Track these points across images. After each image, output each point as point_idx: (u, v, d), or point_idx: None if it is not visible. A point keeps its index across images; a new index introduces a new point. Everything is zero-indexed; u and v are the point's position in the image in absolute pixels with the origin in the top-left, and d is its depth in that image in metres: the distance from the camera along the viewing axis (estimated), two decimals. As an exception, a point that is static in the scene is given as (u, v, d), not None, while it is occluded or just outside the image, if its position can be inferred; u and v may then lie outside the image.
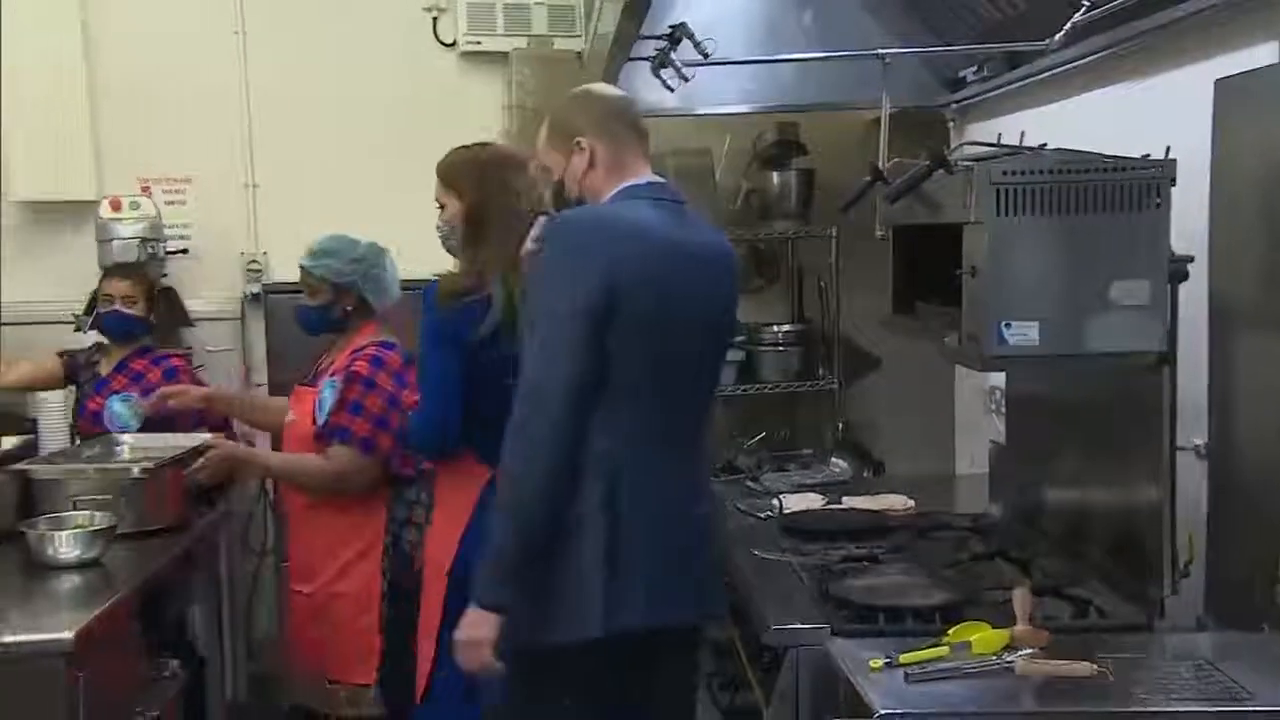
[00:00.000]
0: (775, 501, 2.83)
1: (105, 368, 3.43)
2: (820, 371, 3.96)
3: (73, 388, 3.50)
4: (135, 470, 2.69)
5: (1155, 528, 1.95)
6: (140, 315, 3.41)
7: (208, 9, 4.00)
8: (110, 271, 3.48)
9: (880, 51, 2.55)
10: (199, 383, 3.46)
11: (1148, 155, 1.88)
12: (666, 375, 1.97)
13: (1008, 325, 1.87)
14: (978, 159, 2.00)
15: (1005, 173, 1.87)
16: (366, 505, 2.78)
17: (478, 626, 1.89)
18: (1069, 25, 2.13)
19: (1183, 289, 1.91)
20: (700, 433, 2.10)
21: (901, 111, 2.54)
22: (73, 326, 3.63)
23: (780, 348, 3.96)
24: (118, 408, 3.25)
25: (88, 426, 3.32)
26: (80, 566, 2.42)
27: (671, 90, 2.53)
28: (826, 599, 2.02)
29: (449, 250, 2.47)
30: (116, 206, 3.69)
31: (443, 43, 4.08)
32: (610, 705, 1.96)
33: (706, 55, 2.36)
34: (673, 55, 2.36)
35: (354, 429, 2.70)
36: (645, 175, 2.06)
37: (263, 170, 4.05)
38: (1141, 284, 1.84)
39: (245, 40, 4.00)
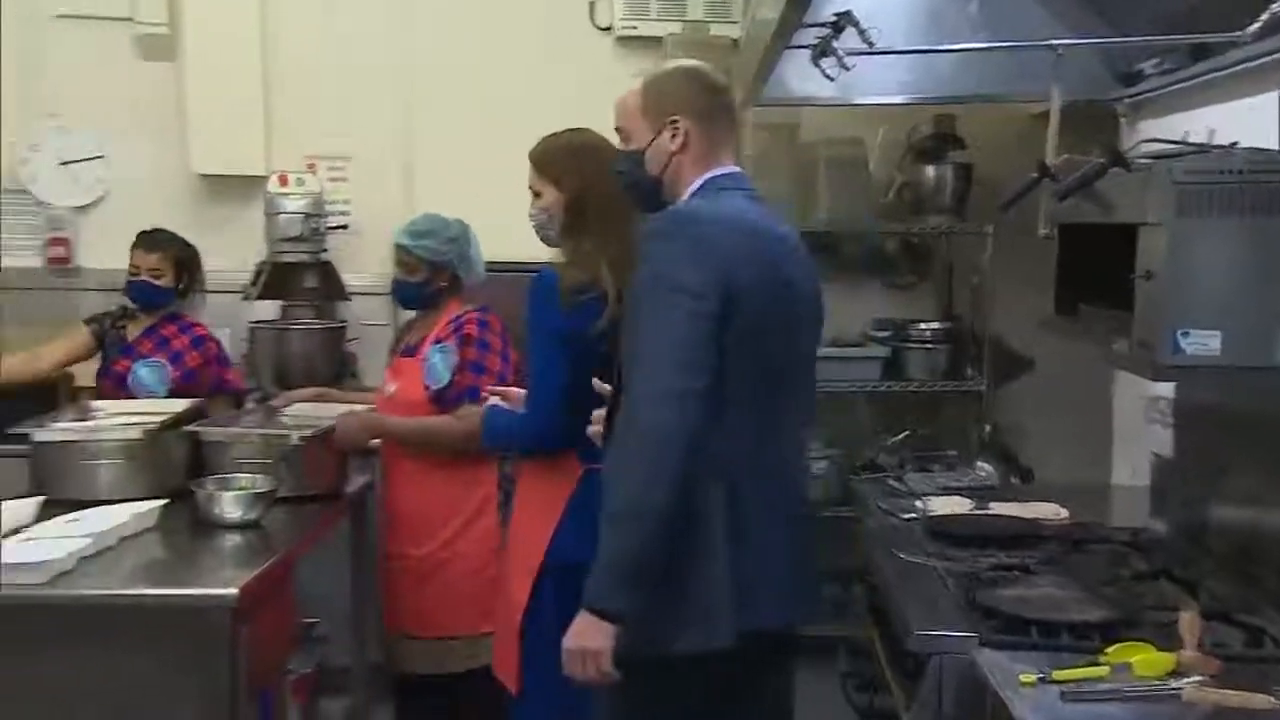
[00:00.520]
0: (919, 503, 2.77)
1: (133, 333, 3.48)
2: (968, 371, 3.86)
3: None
4: (294, 438, 2.80)
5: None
6: (168, 286, 3.45)
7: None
8: (138, 243, 3.49)
9: (1053, 42, 2.44)
10: (223, 354, 3.56)
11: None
12: (779, 374, 1.93)
13: (1185, 334, 1.77)
14: (1158, 157, 1.90)
15: (1189, 172, 1.77)
16: (478, 463, 2.85)
17: (592, 636, 1.78)
18: (1267, 15, 2.00)
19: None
20: (806, 431, 2.06)
21: (1069, 105, 2.44)
22: (240, 295, 3.81)
23: (928, 345, 3.88)
24: (144, 373, 3.37)
25: (111, 389, 3.38)
26: (241, 527, 2.53)
27: (831, 79, 2.48)
28: (974, 607, 1.96)
29: (545, 240, 2.46)
30: (284, 182, 3.85)
31: (599, 27, 4.11)
32: (724, 710, 1.93)
33: (871, 44, 2.30)
34: (835, 44, 2.30)
35: (481, 387, 2.76)
36: (730, 165, 2.00)
37: (419, 150, 4.16)
38: (1338, 294, 1.73)
39: (407, 22, 4.11)
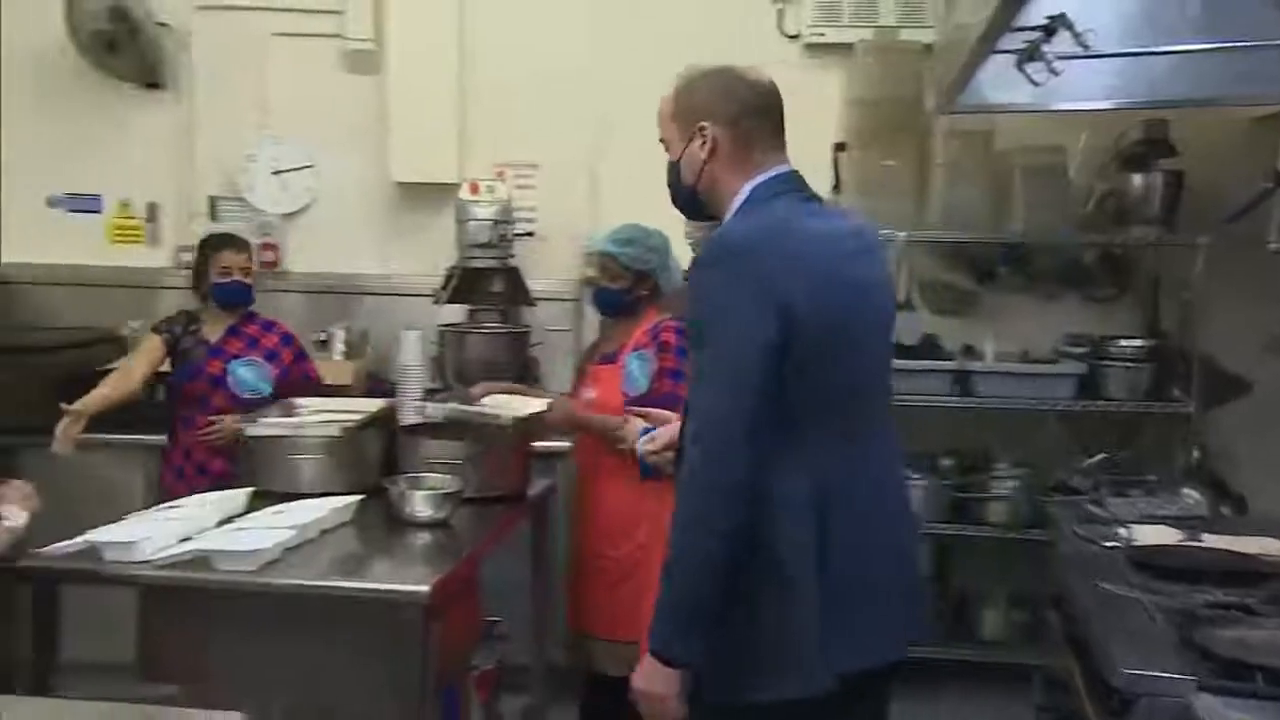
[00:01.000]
0: (1122, 531, 2.61)
1: (210, 334, 3.45)
2: (1174, 392, 3.63)
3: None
4: (507, 418, 2.81)
5: None
6: (251, 284, 3.51)
7: (564, 2, 4.19)
8: (224, 243, 3.49)
9: (1286, 41, 2.27)
10: (304, 348, 3.61)
11: None
12: (854, 389, 1.83)
13: None
14: None
15: None
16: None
17: (658, 681, 1.75)
18: None
19: None
20: (893, 447, 1.93)
21: (1302, 109, 2.26)
22: (432, 300, 3.94)
23: (1129, 363, 3.67)
24: (244, 373, 3.40)
25: (206, 389, 3.38)
26: (431, 525, 2.61)
27: (1036, 85, 2.37)
28: (1190, 647, 1.83)
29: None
30: (475, 190, 3.96)
31: (786, 34, 4.07)
32: None
33: (1087, 48, 2.18)
34: (1044, 48, 2.20)
35: (682, 393, 2.76)
36: (778, 166, 1.88)
37: (605, 159, 4.21)
38: None
39: (596, 33, 4.17)
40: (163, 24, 4.18)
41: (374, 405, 3.17)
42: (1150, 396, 3.64)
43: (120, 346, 4.02)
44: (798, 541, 1.75)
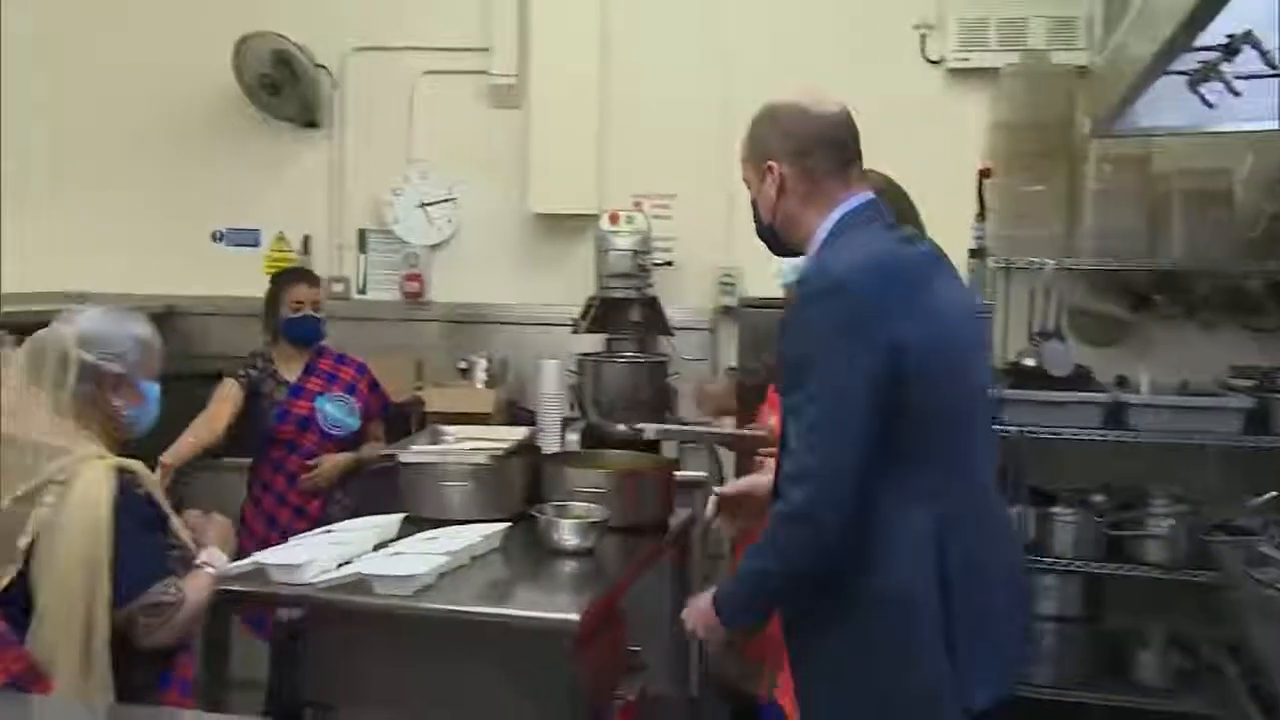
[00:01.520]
0: (1305, 576, 2.46)
1: (287, 373, 3.44)
2: (1354, 429, 3.42)
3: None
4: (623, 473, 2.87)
5: None
6: (322, 319, 3.52)
7: (705, 33, 4.21)
8: (296, 278, 3.49)
9: None
10: (374, 377, 3.58)
11: None
12: (963, 422, 1.80)
13: None
14: None
15: None
16: None
17: (710, 630, 1.94)
18: None
19: None
20: (994, 477, 1.92)
21: None
22: (570, 329, 4.00)
23: (1301, 397, 3.46)
24: (331, 410, 3.40)
25: (294, 431, 3.38)
26: (577, 554, 2.63)
27: (1210, 107, 2.27)
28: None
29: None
30: (615, 220, 4.00)
31: (929, 60, 4.01)
32: None
33: (1274, 66, 2.08)
34: (1223, 67, 2.10)
35: None
36: (859, 195, 1.87)
37: (742, 188, 4.18)
38: None
39: (731, 62, 4.18)
40: (321, 66, 4.37)
41: (517, 433, 3.23)
42: (1326, 433, 3.43)
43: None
44: (920, 573, 1.74)
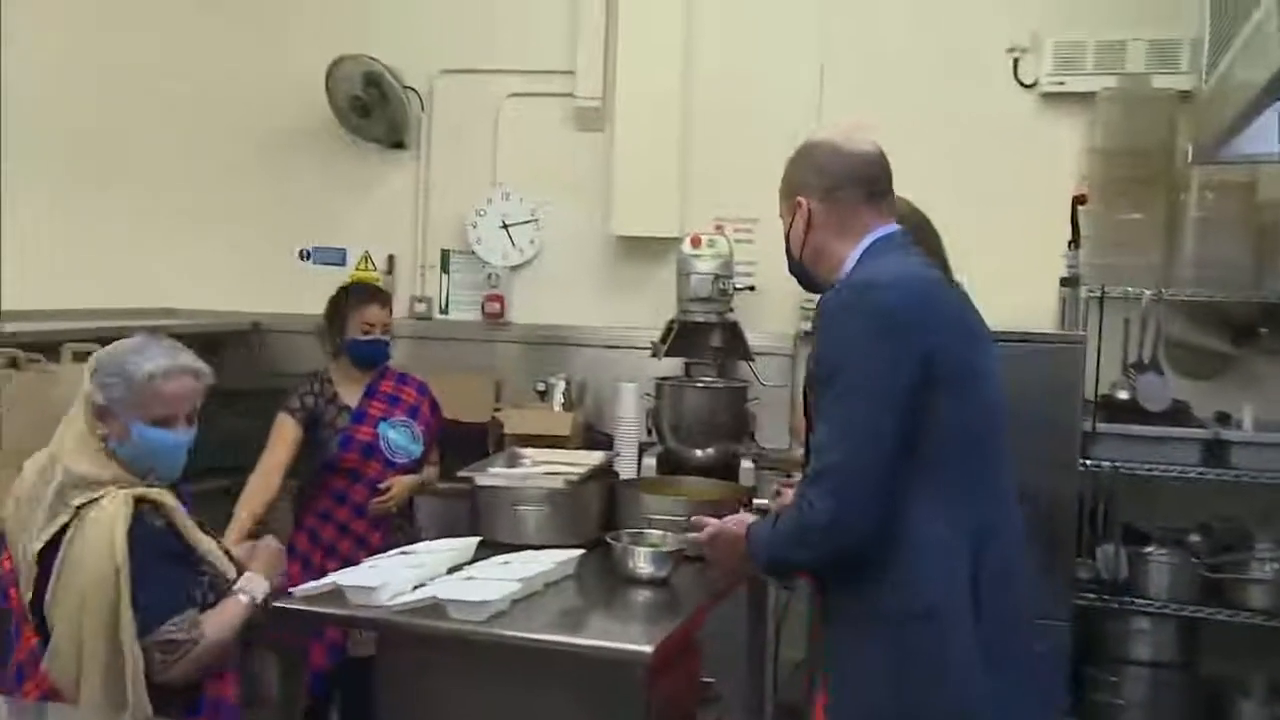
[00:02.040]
0: None
1: (347, 395, 3.29)
2: None
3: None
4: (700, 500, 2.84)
5: None
6: (390, 341, 3.38)
7: (794, 57, 4.16)
8: (369, 297, 3.34)
9: None
10: (435, 397, 3.46)
11: None
12: (987, 437, 1.85)
13: None
14: None
15: None
16: None
17: (738, 561, 2.08)
18: None
19: None
20: (1015, 496, 1.94)
21: None
22: (649, 353, 3.97)
23: None
24: (394, 436, 3.27)
25: (358, 460, 3.25)
26: (652, 582, 2.60)
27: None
28: None
29: None
30: (696, 243, 3.96)
31: (1022, 83, 3.92)
32: None
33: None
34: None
35: None
36: (885, 226, 1.94)
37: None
38: None
39: (816, 84, 4.12)
40: (410, 88, 4.43)
41: (594, 458, 3.21)
42: None
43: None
44: (953, 588, 1.76)
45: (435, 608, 2.26)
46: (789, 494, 2.49)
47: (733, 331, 3.97)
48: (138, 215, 4.43)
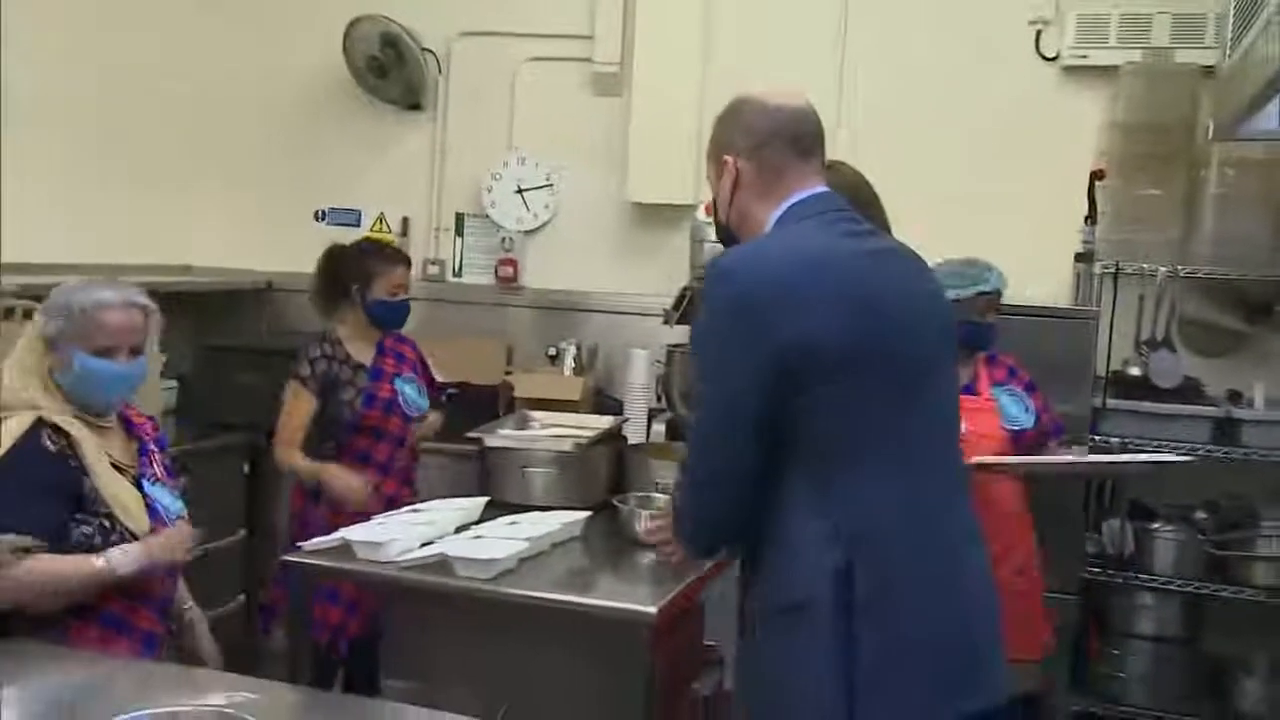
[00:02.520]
0: None
1: (358, 354, 3.25)
2: None
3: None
4: None
5: None
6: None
7: (814, 25, 4.12)
8: (398, 259, 3.31)
9: None
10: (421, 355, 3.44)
11: None
12: (898, 427, 1.68)
13: None
14: None
15: None
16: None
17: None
18: None
19: None
20: (953, 481, 1.78)
21: None
22: (661, 319, 3.97)
23: None
24: (409, 391, 3.25)
25: (380, 416, 3.21)
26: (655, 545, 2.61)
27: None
28: None
29: None
30: (710, 211, 3.95)
31: (1044, 56, 3.88)
32: None
33: None
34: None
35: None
36: (809, 189, 1.79)
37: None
38: None
39: (837, 57, 4.09)
40: (428, 50, 4.41)
41: (603, 422, 3.23)
42: None
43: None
44: (819, 592, 1.63)
45: (443, 565, 2.29)
46: None
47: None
48: (155, 172, 4.44)
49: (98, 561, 2.03)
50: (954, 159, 3.94)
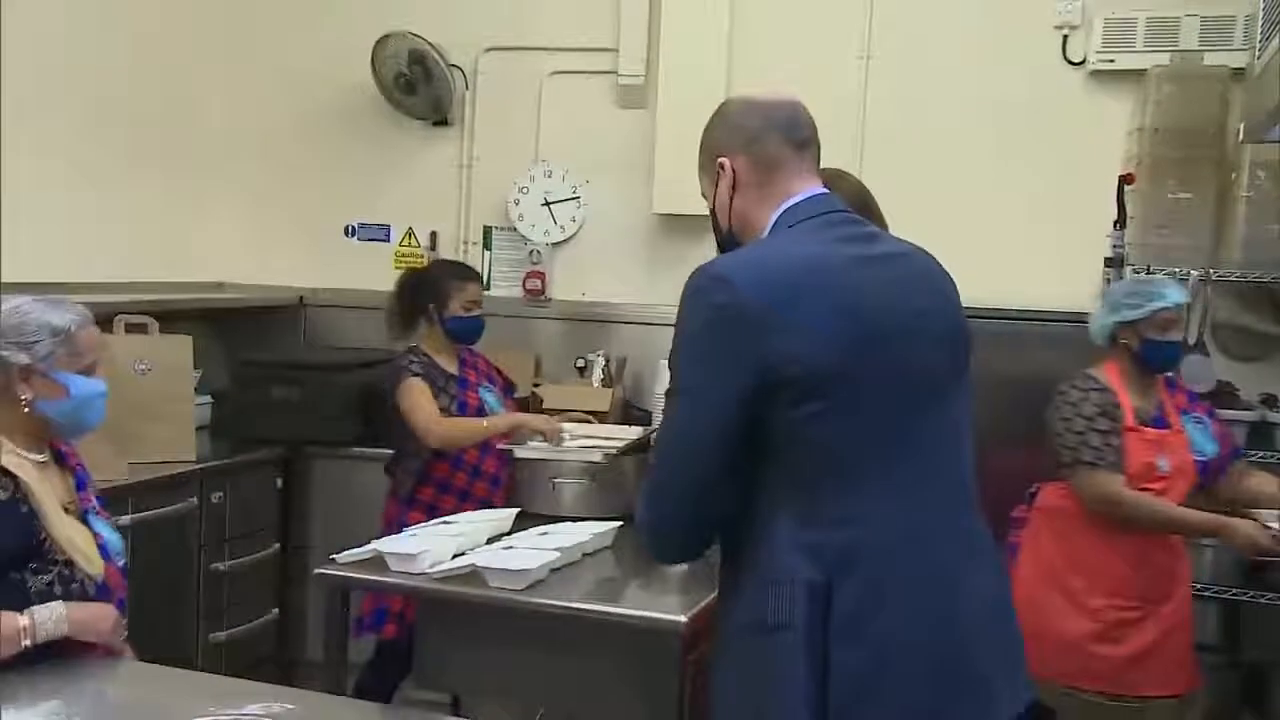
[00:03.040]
0: None
1: (447, 365, 3.39)
2: None
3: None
4: None
5: None
6: None
7: (839, 34, 4.13)
8: (470, 276, 3.46)
9: None
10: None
11: None
12: (895, 440, 1.57)
13: None
14: None
15: None
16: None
17: None
18: None
19: None
20: (964, 490, 1.67)
21: None
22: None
23: None
24: (491, 400, 3.37)
25: None
26: (688, 554, 2.62)
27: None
28: None
29: None
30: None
31: (1070, 61, 3.87)
32: None
33: None
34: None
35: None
36: (808, 189, 1.70)
37: (874, 190, 4.11)
38: None
39: (861, 61, 4.10)
40: (454, 65, 4.46)
41: (632, 432, 3.24)
42: None
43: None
44: (803, 609, 1.53)
45: (474, 575, 2.30)
46: None
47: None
48: (185, 188, 4.51)
49: (21, 621, 1.89)
50: (981, 164, 3.93)
